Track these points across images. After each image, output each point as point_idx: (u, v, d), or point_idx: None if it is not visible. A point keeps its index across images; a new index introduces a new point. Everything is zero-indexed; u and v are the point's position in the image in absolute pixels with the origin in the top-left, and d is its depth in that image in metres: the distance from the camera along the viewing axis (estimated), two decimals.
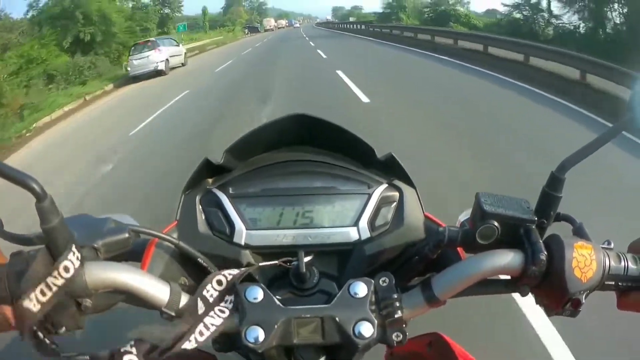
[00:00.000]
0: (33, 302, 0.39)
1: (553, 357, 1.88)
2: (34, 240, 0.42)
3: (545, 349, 1.91)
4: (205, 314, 0.48)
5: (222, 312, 0.48)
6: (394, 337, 0.48)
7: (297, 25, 73.52)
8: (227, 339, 0.55)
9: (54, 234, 0.40)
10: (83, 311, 0.45)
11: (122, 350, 0.44)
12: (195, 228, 0.57)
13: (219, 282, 0.50)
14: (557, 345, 1.92)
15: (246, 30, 53.54)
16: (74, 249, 0.41)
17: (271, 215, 0.57)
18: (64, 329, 0.44)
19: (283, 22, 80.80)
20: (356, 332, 0.46)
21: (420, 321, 0.54)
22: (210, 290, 0.49)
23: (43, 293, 0.40)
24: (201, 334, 0.46)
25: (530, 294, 0.50)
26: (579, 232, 0.50)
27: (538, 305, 0.50)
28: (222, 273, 0.50)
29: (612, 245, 0.49)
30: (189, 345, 0.45)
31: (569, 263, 0.44)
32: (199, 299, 0.48)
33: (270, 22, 63.49)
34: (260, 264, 0.53)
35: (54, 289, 0.40)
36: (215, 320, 0.47)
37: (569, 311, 0.47)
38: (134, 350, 0.44)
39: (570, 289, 0.44)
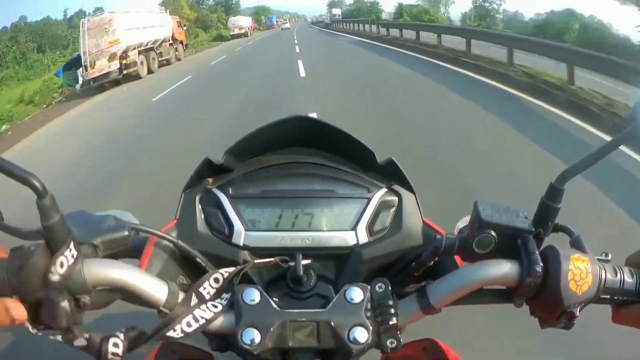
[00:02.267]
0: (33, 287, 0.40)
1: None
2: (34, 235, 0.42)
3: None
4: (197, 306, 0.48)
5: (215, 307, 0.48)
6: (388, 343, 0.49)
7: (287, 25, 50.08)
8: (223, 340, 0.55)
9: (53, 230, 0.40)
10: (81, 307, 0.45)
11: (112, 335, 0.45)
12: (194, 227, 0.57)
13: (216, 280, 0.50)
14: None
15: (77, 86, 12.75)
16: (71, 245, 0.42)
17: (270, 216, 0.57)
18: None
19: (242, 22, 38.39)
20: (351, 337, 0.46)
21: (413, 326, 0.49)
22: (207, 288, 0.49)
23: (40, 287, 0.40)
24: (189, 325, 0.46)
25: (525, 305, 0.49)
26: (576, 244, 0.49)
27: (533, 317, 0.50)
28: (220, 271, 0.50)
29: (609, 257, 0.48)
30: (174, 334, 0.45)
31: (564, 276, 0.44)
32: (193, 294, 0.49)
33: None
34: (256, 261, 0.53)
35: (50, 284, 0.41)
36: (205, 313, 0.47)
37: (563, 323, 0.47)
38: (121, 336, 0.45)
39: (566, 301, 0.44)
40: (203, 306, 0.48)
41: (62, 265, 0.42)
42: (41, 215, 0.39)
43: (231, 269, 0.51)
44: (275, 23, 61.89)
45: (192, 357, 0.69)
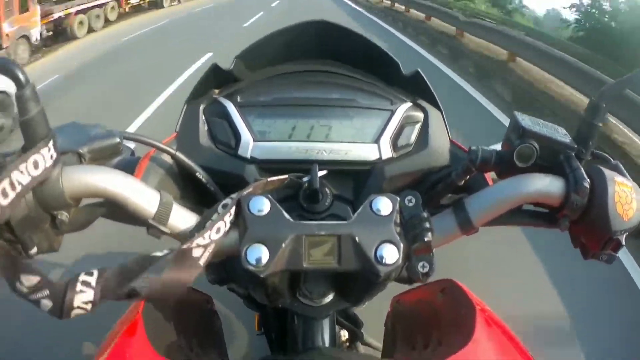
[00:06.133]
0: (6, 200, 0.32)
1: None
2: (10, 153, 0.36)
3: None
4: (200, 235, 0.39)
5: (218, 230, 0.40)
6: (419, 267, 0.42)
7: None
8: (222, 268, 0.49)
9: (32, 126, 0.34)
10: (58, 228, 0.39)
11: (80, 276, 0.35)
12: (196, 139, 0.51)
13: (225, 206, 0.42)
14: None
15: None
16: (50, 144, 0.35)
17: (282, 127, 0.50)
18: (35, 249, 0.38)
19: None
20: (378, 256, 0.39)
21: None
22: (215, 218, 0.41)
23: (4, 192, 0.32)
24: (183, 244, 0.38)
25: (567, 233, 0.45)
26: (616, 171, 0.45)
27: (574, 246, 0.46)
28: (230, 196, 0.42)
29: None
30: (160, 253, 0.36)
31: (611, 197, 0.40)
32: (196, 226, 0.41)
33: None
34: (270, 179, 0.46)
35: (18, 187, 0.33)
36: (204, 239, 0.38)
37: (606, 255, 0.43)
38: (95, 274, 0.35)
39: (613, 226, 0.40)
40: (206, 233, 0.39)
41: (36, 165, 0.34)
42: (19, 110, 0.34)
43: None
44: None
45: (189, 299, 0.63)
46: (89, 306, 0.34)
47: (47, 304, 0.33)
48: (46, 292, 0.33)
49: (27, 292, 0.33)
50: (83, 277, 0.34)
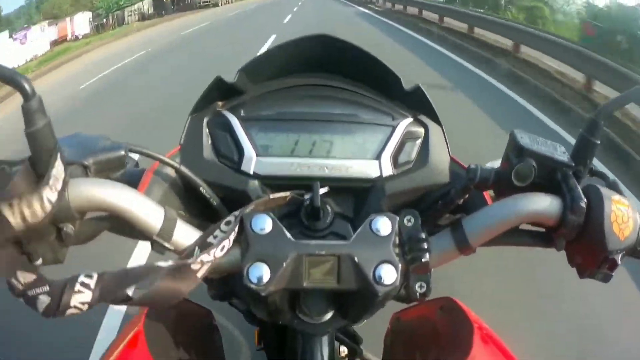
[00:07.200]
0: (13, 212, 0.33)
1: None
2: (17, 163, 0.36)
3: None
4: (204, 252, 0.39)
5: (222, 249, 0.40)
6: (417, 287, 0.43)
7: None
8: (225, 285, 0.49)
9: (38, 138, 0.35)
10: (64, 240, 0.39)
11: (80, 277, 0.36)
12: (199, 153, 0.51)
13: (228, 223, 0.42)
14: None
15: None
16: (58, 156, 0.36)
17: (285, 142, 0.51)
18: (40, 261, 0.38)
19: None
20: (376, 276, 0.40)
21: None
22: (219, 235, 0.42)
23: (29, 205, 0.34)
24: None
25: (564, 252, 0.45)
26: (613, 189, 0.45)
27: (570, 265, 0.46)
28: (233, 214, 0.43)
29: None
30: (163, 263, 0.37)
31: (607, 216, 0.40)
32: (197, 247, 0.41)
33: None
34: (272, 196, 0.46)
35: (46, 202, 0.34)
36: (209, 255, 0.39)
37: (602, 274, 0.42)
38: (94, 276, 0.36)
39: (609, 245, 0.40)
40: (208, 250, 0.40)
41: (56, 179, 0.35)
42: (26, 122, 0.34)
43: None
44: None
45: (190, 312, 0.63)
46: (85, 307, 0.35)
47: (44, 300, 0.35)
48: (45, 288, 0.35)
49: (23, 289, 0.35)
50: (82, 278, 0.35)
